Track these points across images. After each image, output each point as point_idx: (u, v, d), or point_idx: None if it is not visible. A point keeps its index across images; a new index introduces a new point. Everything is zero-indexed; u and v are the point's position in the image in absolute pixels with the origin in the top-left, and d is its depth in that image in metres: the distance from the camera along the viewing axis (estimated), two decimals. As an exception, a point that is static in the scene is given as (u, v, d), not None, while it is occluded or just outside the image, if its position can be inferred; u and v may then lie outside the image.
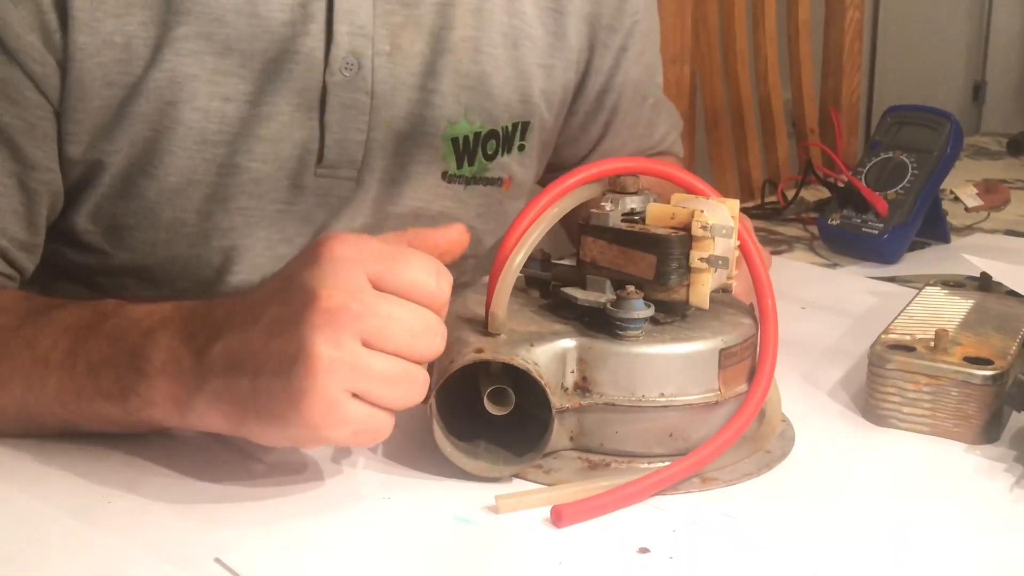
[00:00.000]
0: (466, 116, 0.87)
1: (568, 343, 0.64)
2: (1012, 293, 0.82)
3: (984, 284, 0.84)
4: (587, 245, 0.68)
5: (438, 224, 0.84)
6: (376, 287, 0.58)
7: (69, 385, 0.64)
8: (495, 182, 0.91)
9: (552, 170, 0.99)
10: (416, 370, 0.59)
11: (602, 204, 0.67)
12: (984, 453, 0.68)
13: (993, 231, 1.19)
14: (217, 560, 0.55)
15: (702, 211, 0.64)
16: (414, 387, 0.59)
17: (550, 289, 0.71)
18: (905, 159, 1.09)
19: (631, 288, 0.65)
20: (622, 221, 0.67)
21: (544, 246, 0.70)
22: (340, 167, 0.82)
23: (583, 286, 0.68)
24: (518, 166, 0.92)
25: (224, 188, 0.80)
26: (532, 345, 0.63)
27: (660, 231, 0.65)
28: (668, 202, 0.67)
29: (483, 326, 0.65)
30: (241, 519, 0.59)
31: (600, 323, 0.65)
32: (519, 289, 0.70)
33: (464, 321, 0.67)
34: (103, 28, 0.74)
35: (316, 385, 0.55)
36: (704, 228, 0.64)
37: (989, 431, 0.69)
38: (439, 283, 0.59)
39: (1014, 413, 0.70)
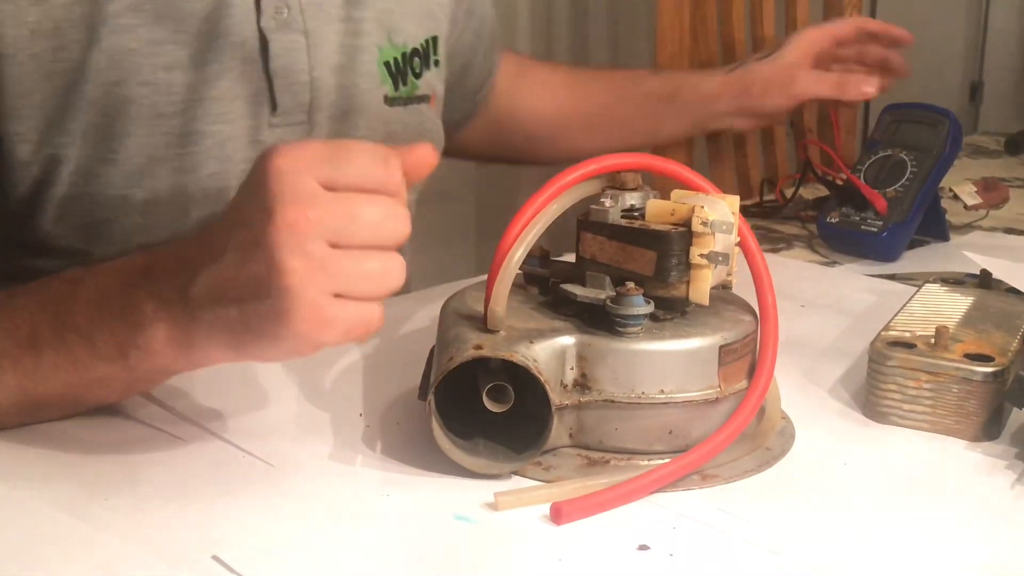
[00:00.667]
0: (390, 39, 0.91)
1: (567, 340, 0.64)
2: (1012, 290, 0.82)
3: (984, 281, 0.84)
4: (586, 241, 0.67)
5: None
6: (327, 188, 0.58)
7: (64, 359, 0.64)
8: (424, 99, 0.95)
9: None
10: (389, 257, 0.59)
11: (601, 200, 0.67)
12: (985, 450, 0.68)
13: (992, 229, 1.19)
14: (215, 558, 0.55)
15: (702, 207, 0.64)
16: (391, 274, 0.59)
17: (549, 286, 0.70)
18: (904, 157, 1.08)
19: (631, 284, 0.64)
20: (622, 217, 0.67)
21: (543, 242, 0.69)
22: (292, 113, 0.83)
23: (582, 283, 0.67)
24: (438, 82, 0.96)
25: (190, 157, 0.79)
26: (531, 342, 0.63)
27: (660, 227, 0.65)
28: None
29: (482, 323, 0.65)
30: (239, 516, 0.59)
31: (599, 320, 0.65)
32: (518, 286, 0.70)
33: (463, 318, 0.67)
34: (27, 18, 0.73)
35: (296, 299, 0.56)
36: (704, 224, 0.64)
37: (990, 428, 0.69)
38: (388, 168, 0.59)
39: (1015, 410, 0.70)
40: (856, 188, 1.07)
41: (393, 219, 0.59)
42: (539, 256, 0.71)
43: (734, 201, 0.66)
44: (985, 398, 0.68)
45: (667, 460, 0.63)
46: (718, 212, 0.65)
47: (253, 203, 0.58)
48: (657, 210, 0.66)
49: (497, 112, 1.17)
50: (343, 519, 0.59)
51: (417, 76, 0.93)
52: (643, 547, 0.57)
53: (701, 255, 0.64)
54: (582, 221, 0.68)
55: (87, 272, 0.66)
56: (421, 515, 0.60)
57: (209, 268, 0.59)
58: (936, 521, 0.60)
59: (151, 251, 0.65)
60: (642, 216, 0.67)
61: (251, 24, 0.81)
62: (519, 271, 0.66)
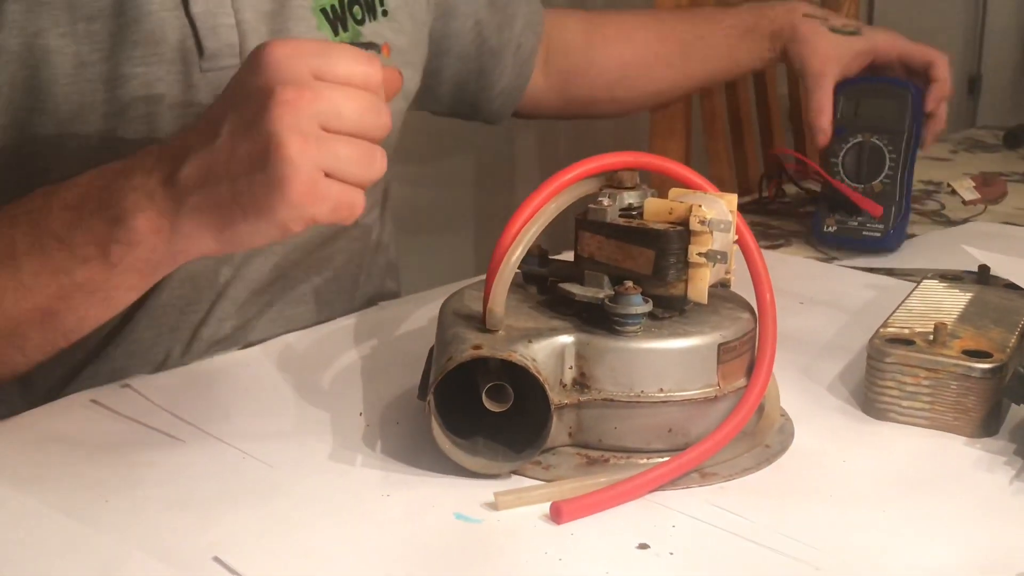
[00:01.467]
0: None
1: (566, 339, 0.64)
2: (1011, 286, 0.82)
3: (982, 277, 0.84)
4: (584, 240, 0.67)
5: None
6: (317, 79, 0.62)
7: (44, 267, 0.66)
8: (373, 47, 0.92)
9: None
10: (373, 147, 0.64)
11: (599, 199, 0.67)
12: (983, 446, 0.68)
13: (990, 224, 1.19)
14: (216, 559, 0.55)
15: (700, 206, 0.64)
16: (374, 163, 0.64)
17: (548, 285, 0.71)
18: (878, 143, 1.05)
19: (629, 283, 0.64)
20: (620, 216, 0.67)
21: (541, 242, 0.69)
22: (221, 57, 0.82)
23: (581, 282, 0.67)
24: (391, 33, 0.94)
25: (117, 101, 0.79)
26: (530, 341, 0.63)
27: (658, 226, 0.65)
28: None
29: (481, 323, 0.65)
30: (240, 518, 0.59)
31: (598, 319, 0.65)
32: (517, 285, 0.70)
33: (462, 318, 0.67)
34: None
35: (293, 168, 0.60)
36: (702, 223, 0.64)
37: (988, 424, 0.69)
38: (372, 68, 0.64)
39: (1013, 406, 0.70)
40: (845, 196, 1.05)
41: (377, 112, 0.64)
42: (537, 255, 0.71)
43: (732, 199, 0.66)
44: (983, 394, 0.68)
45: (666, 458, 0.63)
46: (716, 211, 0.65)
47: (251, 85, 0.62)
48: (655, 209, 0.66)
49: (570, 68, 1.18)
50: (343, 519, 0.59)
51: (359, 23, 0.92)
52: (643, 546, 0.57)
53: (699, 253, 0.64)
54: (580, 220, 0.68)
55: (59, 185, 0.68)
56: (421, 515, 0.60)
57: (200, 152, 0.63)
58: (935, 517, 0.60)
59: (122, 159, 0.67)
60: (640, 215, 0.67)
61: None
62: (517, 270, 0.66)
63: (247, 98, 0.62)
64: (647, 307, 0.64)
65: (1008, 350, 0.70)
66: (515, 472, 0.64)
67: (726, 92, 1.63)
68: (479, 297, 0.66)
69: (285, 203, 0.61)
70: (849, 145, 1.05)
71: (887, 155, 1.04)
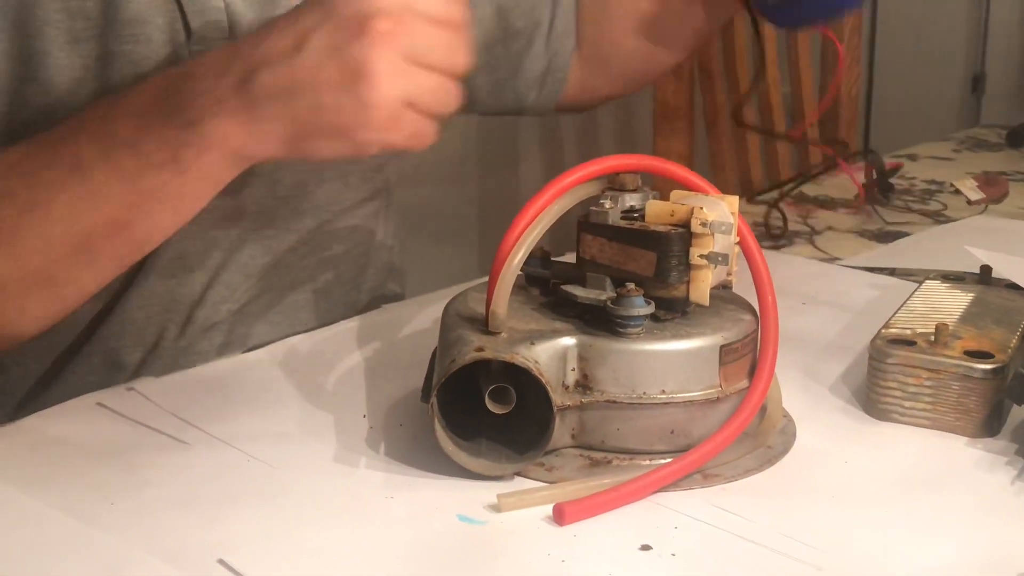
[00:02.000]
0: None
1: (568, 341, 0.64)
2: (1012, 286, 0.82)
3: (984, 277, 0.84)
4: (586, 243, 0.68)
5: None
6: (410, 12, 0.64)
7: (113, 175, 0.67)
8: None
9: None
10: (451, 83, 0.67)
11: (601, 202, 0.67)
12: (985, 447, 0.68)
13: (993, 223, 1.19)
14: (220, 561, 0.56)
15: (701, 208, 0.64)
16: (451, 97, 0.68)
17: (550, 287, 0.71)
18: None
19: (631, 285, 0.65)
20: (621, 218, 0.67)
21: (543, 244, 0.70)
22: (210, 40, 0.81)
23: (583, 284, 0.68)
24: None
25: (107, 79, 0.78)
26: (532, 343, 0.64)
27: (660, 228, 0.65)
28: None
29: (483, 325, 0.65)
30: (244, 519, 0.59)
31: (600, 321, 0.65)
32: (519, 287, 0.70)
33: (464, 320, 0.67)
34: None
35: (381, 96, 0.64)
36: (704, 225, 0.64)
37: (990, 424, 0.69)
38: (458, 8, 0.67)
39: (1015, 406, 0.70)
40: None
41: (458, 49, 0.67)
42: (540, 257, 0.71)
43: (733, 201, 0.67)
44: (985, 395, 0.68)
45: (669, 460, 0.63)
46: (717, 213, 0.65)
47: (346, 8, 0.64)
48: (657, 211, 0.66)
49: (595, 43, 1.10)
50: (346, 521, 0.60)
51: None
52: (645, 547, 0.57)
53: (701, 255, 0.64)
54: (582, 222, 0.68)
55: (120, 93, 0.69)
56: (425, 516, 0.60)
57: (280, 63, 0.65)
58: (937, 517, 0.60)
59: (184, 63, 0.70)
60: (642, 217, 0.67)
61: None
62: (520, 272, 0.66)
63: (340, 20, 0.64)
64: (649, 309, 0.64)
65: (1009, 351, 0.70)
66: (518, 474, 0.64)
67: (728, 89, 1.63)
68: (482, 299, 0.66)
69: (367, 127, 0.65)
70: None
71: None
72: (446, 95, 0.67)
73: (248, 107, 0.65)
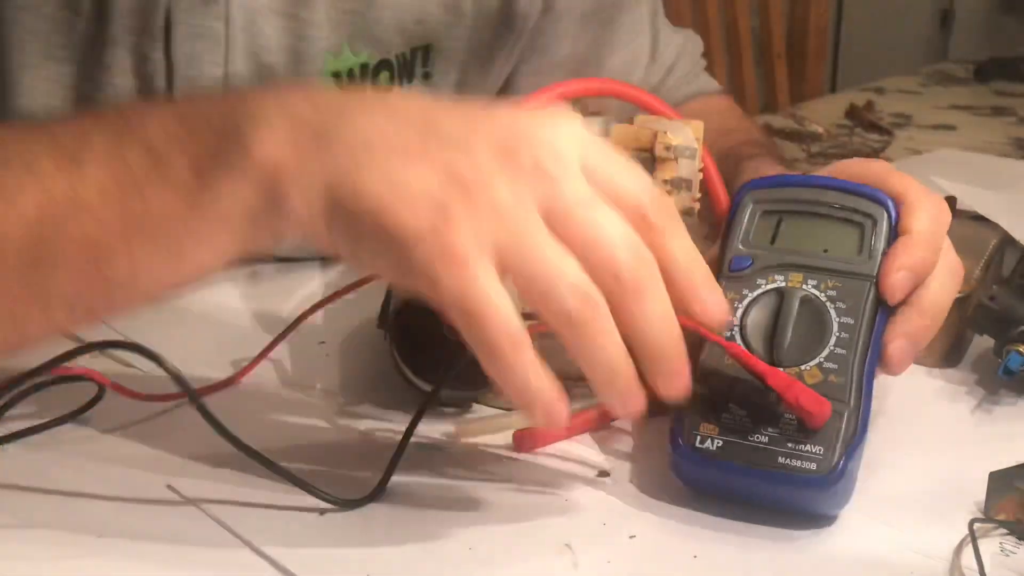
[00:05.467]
0: (349, 46, 0.77)
1: (529, 267, 0.63)
2: (977, 217, 0.81)
3: (949, 208, 0.83)
4: (548, 168, 0.66)
5: None
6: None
7: (113, 180, 0.48)
8: None
9: None
10: (590, 287, 0.47)
11: (564, 126, 0.66)
12: (946, 377, 0.68)
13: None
14: (169, 487, 0.55)
15: (665, 132, 0.63)
16: (572, 290, 0.47)
17: (511, 213, 0.69)
18: (816, 295, 0.56)
19: (593, 211, 0.63)
20: (584, 143, 0.66)
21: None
22: None
23: (544, 209, 0.66)
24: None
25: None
26: (492, 269, 0.62)
27: (623, 153, 0.64)
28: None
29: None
30: (192, 444, 0.58)
31: (561, 247, 0.64)
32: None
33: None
34: None
35: (473, 222, 0.46)
36: (668, 149, 0.63)
37: (952, 355, 0.69)
38: (659, 206, 0.50)
39: (976, 337, 0.70)
40: (757, 376, 0.53)
41: (637, 252, 0.48)
42: (501, 183, 0.70)
43: (698, 127, 0.65)
44: (947, 325, 0.67)
45: (629, 388, 0.63)
46: (681, 137, 0.64)
47: (500, 114, 0.49)
48: (621, 136, 0.65)
49: None
50: (301, 446, 0.59)
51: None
52: (603, 473, 0.57)
53: (664, 180, 0.63)
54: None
55: (174, 95, 0.59)
56: (379, 441, 0.59)
57: (371, 117, 0.48)
58: (897, 446, 0.60)
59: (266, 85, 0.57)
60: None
61: None
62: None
63: (483, 116, 0.50)
64: (611, 235, 0.63)
65: (973, 281, 0.70)
66: (477, 402, 0.63)
67: (695, 18, 1.61)
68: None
69: (420, 239, 0.46)
70: (759, 293, 0.57)
71: (833, 319, 0.55)
72: (562, 279, 0.47)
73: (315, 131, 0.48)
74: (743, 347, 0.54)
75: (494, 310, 0.46)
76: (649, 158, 0.63)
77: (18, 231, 0.48)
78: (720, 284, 0.55)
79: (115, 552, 0.51)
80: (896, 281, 0.55)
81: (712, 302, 0.51)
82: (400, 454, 0.55)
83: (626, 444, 0.60)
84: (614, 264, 0.47)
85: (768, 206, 0.59)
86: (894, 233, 0.57)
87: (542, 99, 0.65)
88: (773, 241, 0.58)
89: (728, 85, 1.64)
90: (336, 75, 0.77)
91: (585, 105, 0.66)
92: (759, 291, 0.56)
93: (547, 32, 0.86)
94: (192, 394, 0.52)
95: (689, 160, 0.63)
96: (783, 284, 0.56)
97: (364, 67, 0.77)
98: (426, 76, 0.81)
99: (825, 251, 0.57)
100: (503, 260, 0.46)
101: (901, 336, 0.55)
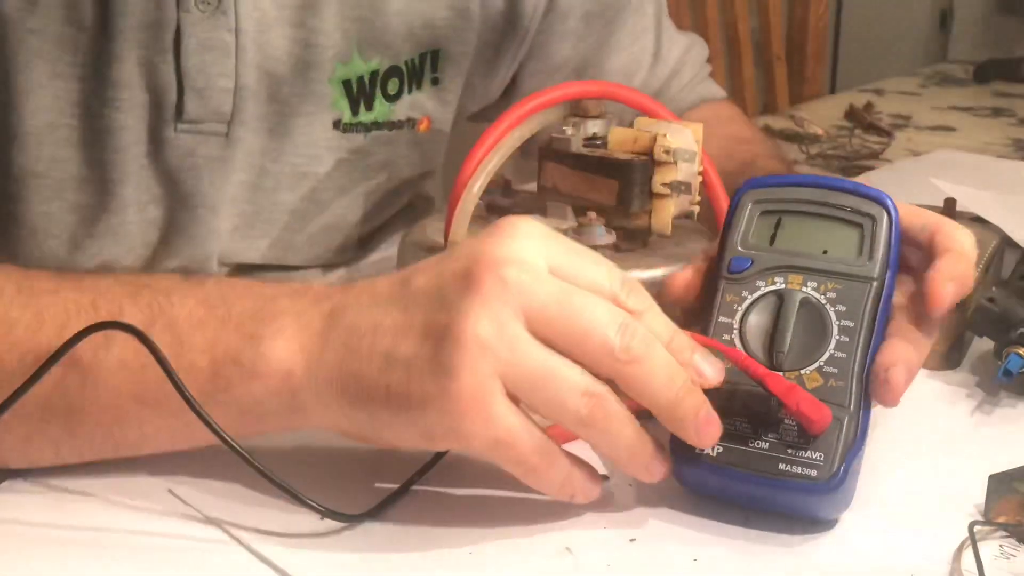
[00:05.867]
0: (359, 53, 0.76)
1: (529, 271, 0.63)
2: (976, 219, 0.81)
3: (949, 210, 0.83)
4: (548, 171, 0.66)
5: (331, 183, 0.77)
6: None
7: (136, 356, 0.53)
8: (405, 124, 0.80)
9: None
10: (587, 383, 0.49)
11: (563, 128, 0.66)
12: (946, 379, 0.68)
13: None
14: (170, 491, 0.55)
15: (664, 135, 0.63)
16: (582, 399, 0.49)
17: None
18: (816, 297, 0.55)
19: (593, 214, 0.64)
20: (583, 146, 0.66)
21: (505, 172, 0.68)
22: (204, 121, 0.72)
23: (544, 213, 0.66)
24: (435, 103, 0.82)
25: (81, 133, 0.70)
26: (492, 273, 0.62)
27: (622, 156, 0.64)
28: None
29: (442, 254, 0.64)
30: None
31: (561, 250, 0.64)
32: (479, 217, 0.69)
33: (423, 250, 0.66)
34: None
35: (468, 364, 0.48)
36: (667, 152, 0.63)
37: (951, 357, 0.69)
38: (629, 289, 0.52)
39: (976, 339, 0.70)
40: (760, 384, 0.53)
41: (605, 322, 0.50)
42: (500, 186, 0.70)
43: (698, 129, 0.65)
44: (947, 327, 0.68)
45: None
46: (681, 140, 0.64)
47: (467, 252, 0.51)
48: (619, 138, 0.65)
49: None
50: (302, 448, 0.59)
51: (392, 99, 0.79)
52: (604, 476, 0.57)
53: (664, 184, 0.63)
54: (543, 150, 0.67)
55: (207, 275, 0.59)
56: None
57: (369, 303, 0.52)
58: (897, 449, 0.60)
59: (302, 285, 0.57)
60: (604, 144, 0.66)
61: (168, 10, 0.69)
62: (480, 202, 0.65)
63: (456, 262, 0.51)
64: (610, 238, 0.63)
65: (972, 283, 0.70)
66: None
67: (695, 20, 1.61)
68: (441, 229, 0.65)
69: (443, 403, 0.49)
70: (757, 295, 0.56)
71: (833, 322, 0.55)
72: (567, 388, 0.49)
73: (323, 342, 0.52)
74: (743, 351, 0.54)
75: (518, 437, 0.50)
76: (649, 161, 0.63)
77: (40, 388, 0.52)
78: (719, 285, 0.56)
79: (115, 554, 0.51)
80: (947, 291, 0.55)
81: (705, 365, 0.52)
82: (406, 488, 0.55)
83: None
84: (605, 345, 0.49)
85: (767, 206, 0.58)
86: (896, 235, 0.56)
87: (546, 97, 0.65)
88: (772, 242, 0.57)
89: (728, 87, 1.64)
90: (345, 82, 0.76)
91: (585, 108, 0.66)
92: (758, 293, 0.56)
93: (550, 32, 0.86)
94: (192, 401, 0.51)
95: (688, 163, 0.63)
96: (783, 286, 0.56)
97: (373, 74, 0.77)
98: (435, 81, 0.81)
99: (825, 252, 0.56)
100: (507, 386, 0.49)
101: (901, 362, 0.54)
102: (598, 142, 0.66)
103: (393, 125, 0.80)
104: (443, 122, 0.83)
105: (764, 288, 0.56)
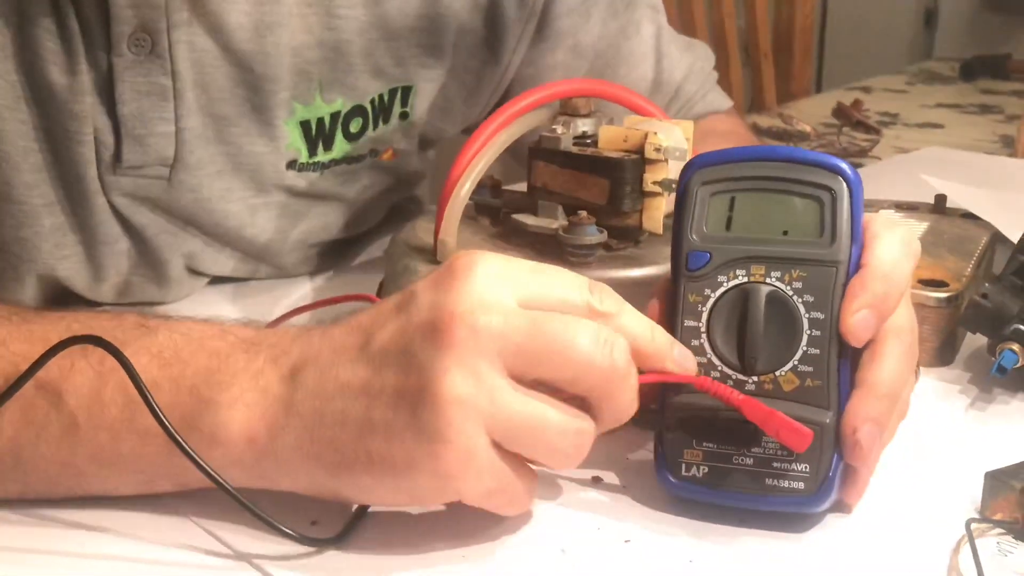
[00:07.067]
0: (321, 94, 0.74)
1: (519, 271, 0.63)
2: (967, 215, 0.81)
3: (939, 207, 0.83)
4: (538, 170, 0.66)
5: (289, 212, 0.75)
6: (522, 307, 0.48)
7: (88, 415, 0.51)
8: (367, 156, 0.78)
9: None
10: (572, 419, 0.49)
11: (553, 127, 0.65)
12: (939, 375, 0.68)
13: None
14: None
15: (655, 133, 0.63)
16: (566, 438, 0.49)
17: (501, 216, 0.69)
18: (783, 289, 0.52)
19: (583, 214, 0.63)
20: (574, 145, 0.66)
21: (494, 172, 0.68)
22: (146, 167, 0.70)
23: (534, 212, 0.66)
24: (402, 135, 0.79)
25: (55, 163, 0.69)
26: (482, 273, 0.62)
27: (613, 154, 0.64)
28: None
29: (432, 255, 0.63)
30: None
31: (552, 250, 0.64)
32: (469, 218, 0.68)
33: (413, 250, 0.65)
34: None
35: (451, 423, 0.46)
36: (657, 150, 0.63)
37: (944, 353, 0.69)
38: (589, 295, 0.50)
39: (968, 335, 0.70)
40: (729, 408, 0.51)
41: (582, 354, 0.48)
42: (490, 186, 0.69)
43: (688, 127, 0.65)
44: (939, 323, 0.68)
45: (621, 391, 0.62)
46: (672, 138, 0.63)
47: (429, 298, 0.48)
48: (610, 137, 0.65)
49: None
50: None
51: (353, 137, 0.76)
52: (597, 479, 0.56)
53: (655, 182, 0.63)
54: (534, 149, 0.66)
55: (163, 320, 0.54)
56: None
57: (334, 359, 0.49)
58: (891, 447, 0.59)
59: (248, 327, 0.54)
60: (595, 143, 0.66)
61: (99, 49, 0.66)
62: (470, 202, 0.65)
63: (421, 309, 0.48)
64: (601, 237, 0.63)
65: (964, 279, 0.70)
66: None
67: (681, 19, 1.61)
68: (430, 229, 0.65)
69: (432, 466, 0.47)
70: (723, 293, 0.53)
71: (803, 316, 0.52)
72: (559, 432, 0.48)
73: (287, 408, 0.49)
74: (714, 376, 0.52)
75: (509, 483, 0.49)
76: (639, 159, 0.63)
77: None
78: (680, 284, 0.54)
79: (106, 552, 0.50)
80: (856, 324, 0.51)
81: (681, 357, 0.52)
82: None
83: (619, 449, 0.59)
84: (587, 374, 0.48)
85: (718, 186, 0.54)
86: (858, 206, 0.53)
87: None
88: (728, 226, 0.54)
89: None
90: (305, 123, 0.74)
91: (575, 107, 0.66)
92: (721, 290, 0.53)
93: (538, 63, 0.82)
94: (159, 415, 0.49)
95: (679, 161, 0.63)
96: (746, 280, 0.52)
97: (335, 115, 0.75)
98: (404, 116, 0.79)
99: (785, 233, 0.53)
100: (492, 436, 0.47)
101: (868, 420, 0.51)
102: (588, 141, 0.66)
103: (353, 159, 0.78)
104: (409, 152, 0.81)
105: (727, 284, 0.53)
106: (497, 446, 0.48)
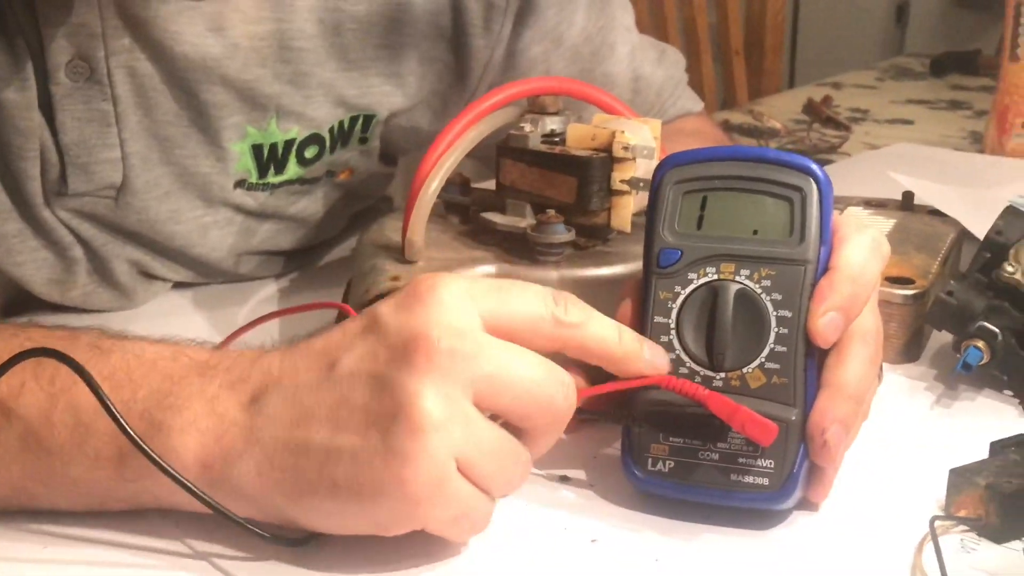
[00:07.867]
0: (277, 123, 0.72)
1: (488, 269, 0.63)
2: (934, 212, 0.82)
3: (906, 203, 0.83)
4: (506, 168, 0.66)
5: (239, 228, 0.74)
6: (488, 328, 0.48)
7: (37, 440, 0.50)
8: (324, 177, 0.77)
9: None
10: (522, 448, 0.49)
11: (521, 125, 0.65)
12: (905, 372, 0.68)
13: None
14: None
15: (623, 132, 0.63)
16: (519, 467, 0.49)
17: (469, 215, 0.69)
18: (750, 287, 0.53)
19: (551, 212, 0.63)
20: (542, 143, 0.66)
21: (463, 170, 0.68)
22: (92, 193, 0.69)
23: (503, 211, 0.66)
24: (360, 157, 0.78)
25: (7, 175, 0.68)
26: (451, 272, 0.62)
27: (581, 153, 0.64)
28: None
29: (400, 254, 0.63)
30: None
31: (520, 248, 0.64)
32: (437, 215, 0.68)
33: (380, 248, 0.65)
34: None
35: (423, 448, 0.45)
36: (626, 149, 0.63)
37: (910, 350, 0.69)
38: (565, 304, 0.50)
39: (935, 332, 0.70)
40: (699, 407, 0.52)
41: (549, 382, 0.49)
42: (459, 184, 0.69)
43: (656, 125, 0.65)
44: (905, 320, 0.68)
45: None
46: (639, 137, 0.63)
47: (396, 321, 0.47)
48: (578, 135, 0.65)
49: None
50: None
51: (306, 163, 0.75)
52: (563, 478, 0.56)
53: (623, 181, 0.63)
54: (501, 147, 0.66)
55: (117, 338, 0.53)
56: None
57: (298, 383, 0.48)
58: (856, 443, 0.60)
59: (206, 348, 0.53)
60: (563, 141, 0.66)
61: (31, 79, 0.65)
62: (438, 200, 0.65)
63: (388, 334, 0.47)
64: (569, 236, 0.63)
65: (930, 276, 0.70)
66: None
67: (652, 16, 1.61)
68: (398, 227, 0.64)
69: (400, 493, 0.46)
70: (691, 289, 0.54)
71: (771, 313, 0.53)
72: (514, 464, 0.49)
73: (247, 434, 0.48)
74: (682, 371, 0.53)
75: (474, 510, 0.48)
76: (607, 158, 0.63)
77: None
78: (650, 281, 0.54)
79: (69, 558, 0.50)
80: (824, 326, 0.52)
81: (652, 355, 0.52)
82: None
83: (585, 449, 0.59)
84: (544, 412, 0.49)
85: (690, 186, 0.55)
86: (827, 206, 0.53)
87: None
88: (700, 225, 0.54)
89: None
90: (257, 147, 0.73)
91: (543, 105, 0.66)
92: (691, 287, 0.53)
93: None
94: (122, 424, 0.48)
95: (647, 160, 0.63)
96: (715, 278, 0.53)
97: (290, 142, 0.74)
98: (363, 140, 0.78)
99: (755, 233, 0.54)
100: (460, 464, 0.47)
101: (835, 421, 0.52)
102: (556, 139, 0.66)
103: (307, 181, 0.77)
104: (368, 170, 0.80)
105: (697, 281, 0.54)
106: (462, 472, 0.47)
